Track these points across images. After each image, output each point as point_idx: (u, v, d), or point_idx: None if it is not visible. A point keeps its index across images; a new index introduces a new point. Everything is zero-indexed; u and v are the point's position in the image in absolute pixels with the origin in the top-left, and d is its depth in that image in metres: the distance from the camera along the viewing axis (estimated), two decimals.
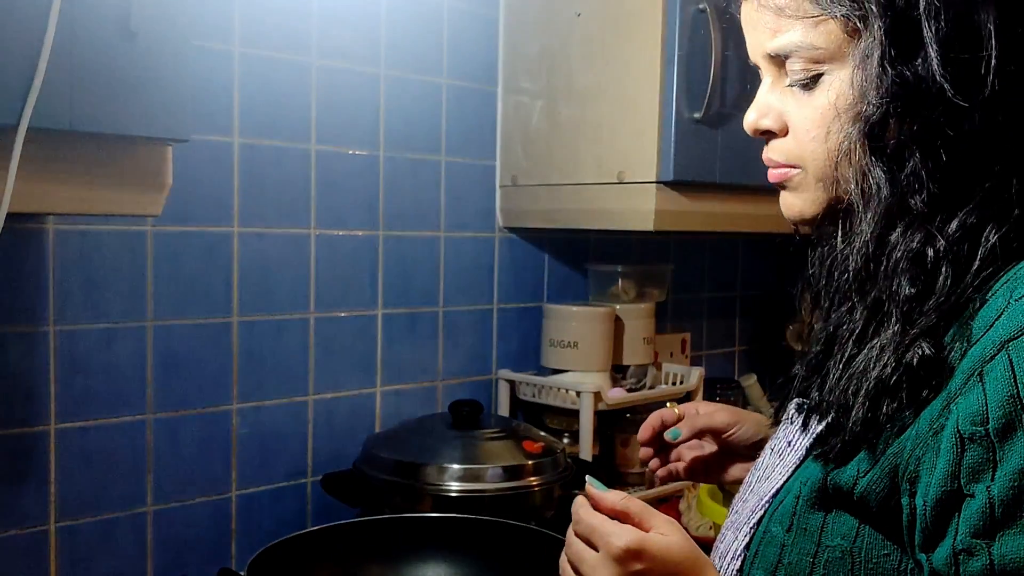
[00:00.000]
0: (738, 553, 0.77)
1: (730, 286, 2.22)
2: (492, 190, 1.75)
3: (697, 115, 1.47)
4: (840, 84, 0.71)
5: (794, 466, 0.77)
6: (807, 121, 0.74)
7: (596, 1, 1.58)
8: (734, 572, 0.78)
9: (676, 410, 1.17)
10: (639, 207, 1.51)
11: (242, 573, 1.06)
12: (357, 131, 1.55)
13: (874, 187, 0.69)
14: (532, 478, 1.41)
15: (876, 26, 0.68)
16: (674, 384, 1.85)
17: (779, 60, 0.75)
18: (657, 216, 1.50)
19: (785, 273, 2.25)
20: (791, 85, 0.75)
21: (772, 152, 0.78)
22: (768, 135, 0.78)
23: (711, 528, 1.65)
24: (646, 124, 1.49)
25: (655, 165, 1.48)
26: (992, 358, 0.61)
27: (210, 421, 1.41)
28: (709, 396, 1.95)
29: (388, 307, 1.61)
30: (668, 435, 1.11)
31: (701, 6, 1.46)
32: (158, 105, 0.90)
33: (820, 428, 0.74)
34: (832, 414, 0.71)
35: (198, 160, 1.35)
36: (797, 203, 0.78)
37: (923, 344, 0.66)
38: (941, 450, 0.62)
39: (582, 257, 1.88)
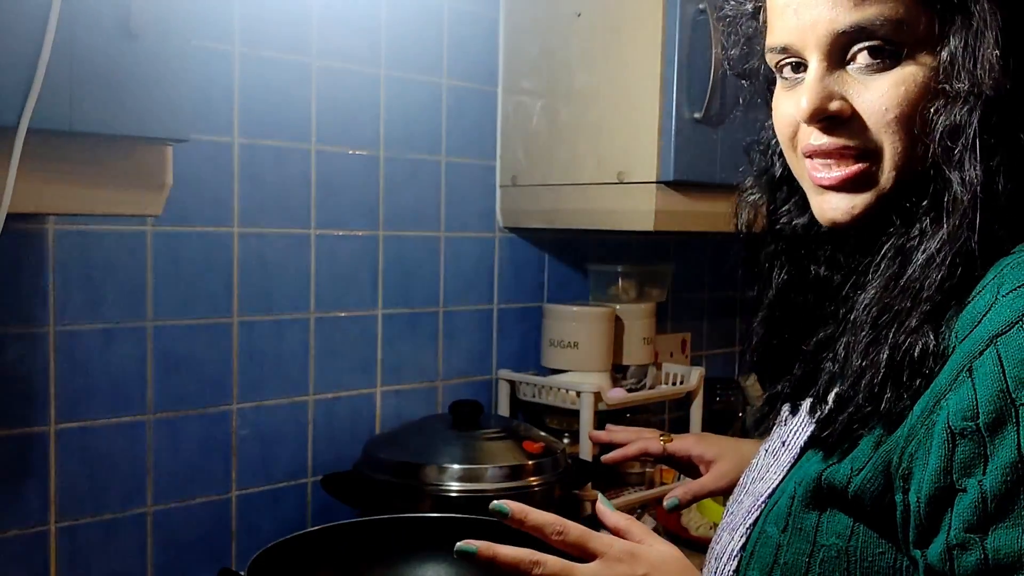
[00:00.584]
0: (734, 554, 0.77)
1: (730, 286, 2.22)
2: (492, 190, 1.75)
3: (697, 115, 1.47)
4: (926, 64, 0.68)
5: (789, 465, 0.77)
6: (885, 100, 0.68)
7: (596, 1, 1.58)
8: (730, 573, 0.78)
9: (661, 440, 1.20)
10: (639, 207, 1.51)
11: (242, 573, 1.06)
12: (357, 131, 1.55)
13: (964, 176, 0.66)
14: (532, 478, 1.41)
15: (985, 6, 0.66)
16: (674, 384, 1.85)
17: (844, 40, 0.69)
18: (657, 216, 1.50)
19: None
20: (864, 66, 0.69)
21: (842, 137, 0.71)
22: (829, 122, 0.71)
23: (711, 528, 1.65)
24: (646, 124, 1.49)
25: (655, 165, 1.48)
26: (981, 353, 0.61)
27: (210, 421, 1.41)
28: (709, 396, 1.95)
29: (388, 307, 1.61)
30: (667, 504, 1.14)
31: (701, 6, 1.46)
32: (158, 105, 0.90)
33: (823, 412, 0.73)
34: (842, 386, 0.70)
35: (198, 160, 1.35)
36: (858, 202, 0.72)
37: (929, 333, 0.65)
38: (933, 446, 0.62)
39: (582, 257, 1.88)
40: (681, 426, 1.92)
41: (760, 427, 0.87)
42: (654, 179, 1.49)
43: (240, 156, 1.42)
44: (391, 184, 1.60)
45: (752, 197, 0.89)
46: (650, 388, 1.81)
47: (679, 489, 1.15)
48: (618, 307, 1.79)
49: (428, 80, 1.64)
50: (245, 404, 1.45)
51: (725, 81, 1.49)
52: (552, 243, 1.83)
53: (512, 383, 1.76)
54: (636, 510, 1.75)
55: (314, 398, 1.53)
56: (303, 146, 1.49)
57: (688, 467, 1.21)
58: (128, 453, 1.34)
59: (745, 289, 2.31)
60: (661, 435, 1.22)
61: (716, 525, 1.45)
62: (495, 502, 0.75)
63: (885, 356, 0.67)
